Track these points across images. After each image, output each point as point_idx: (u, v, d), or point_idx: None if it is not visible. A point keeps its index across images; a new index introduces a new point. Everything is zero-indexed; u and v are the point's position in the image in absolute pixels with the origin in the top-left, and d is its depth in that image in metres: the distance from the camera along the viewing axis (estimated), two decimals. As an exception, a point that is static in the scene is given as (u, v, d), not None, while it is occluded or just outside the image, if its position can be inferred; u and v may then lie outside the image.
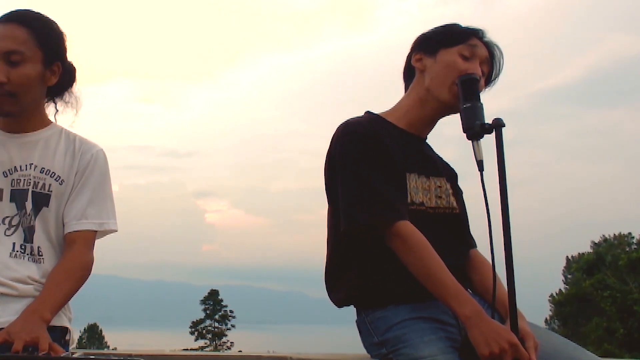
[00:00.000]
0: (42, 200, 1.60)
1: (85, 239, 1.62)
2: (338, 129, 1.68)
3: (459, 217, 1.76)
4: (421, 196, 1.67)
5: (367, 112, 1.77)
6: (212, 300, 49.60)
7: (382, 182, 1.58)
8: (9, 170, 1.59)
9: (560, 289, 37.25)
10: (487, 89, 1.75)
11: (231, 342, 48.57)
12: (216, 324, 49.12)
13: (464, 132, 1.51)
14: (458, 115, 1.59)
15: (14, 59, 1.53)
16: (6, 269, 1.53)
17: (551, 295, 37.30)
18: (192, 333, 48.93)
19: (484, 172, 1.48)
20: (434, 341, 1.50)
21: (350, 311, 1.72)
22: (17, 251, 1.57)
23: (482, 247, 1.79)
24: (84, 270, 1.60)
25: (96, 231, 1.64)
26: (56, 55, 1.62)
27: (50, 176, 1.62)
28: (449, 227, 1.70)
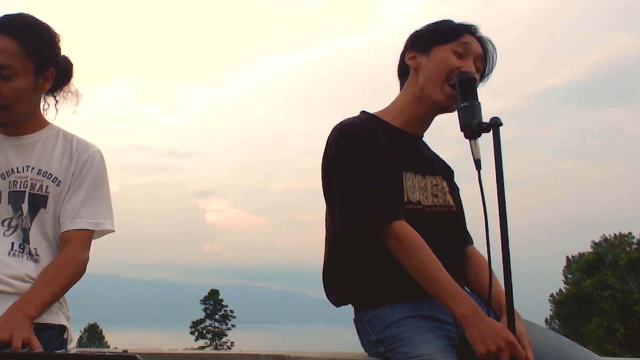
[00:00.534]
0: (39, 201, 1.61)
1: (80, 238, 1.61)
2: (333, 130, 1.68)
3: (456, 214, 1.76)
4: (418, 195, 1.67)
5: (362, 112, 1.78)
6: (213, 300, 49.58)
7: (378, 182, 1.59)
8: (6, 172, 1.60)
9: (560, 289, 37.24)
10: (481, 84, 1.75)
11: (231, 342, 48.54)
12: (216, 324, 49.10)
13: (462, 131, 1.51)
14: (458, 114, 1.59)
15: (4, 73, 1.51)
16: (4, 266, 1.54)
17: (551, 295, 37.30)
18: (192, 333, 48.91)
19: (481, 171, 1.49)
20: (431, 339, 1.50)
21: (351, 310, 1.72)
22: (16, 250, 1.57)
23: (479, 246, 1.80)
24: (76, 269, 1.59)
25: (92, 231, 1.64)
26: (48, 62, 1.60)
27: (47, 177, 1.63)
28: (446, 225, 1.70)
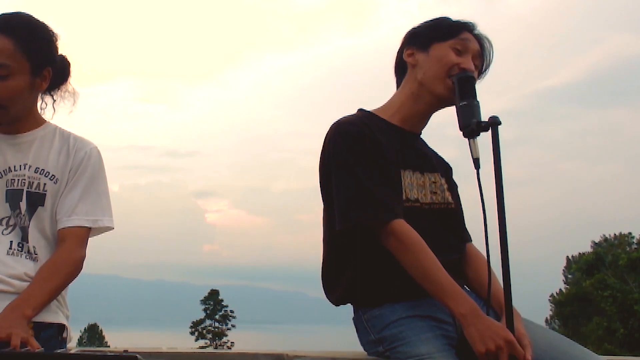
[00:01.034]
0: (37, 199, 1.60)
1: (77, 235, 1.61)
2: (331, 128, 1.68)
3: (454, 211, 1.76)
4: (416, 192, 1.67)
5: (360, 110, 1.77)
6: (213, 300, 49.57)
7: (376, 181, 1.58)
8: (3, 171, 1.60)
9: (560, 289, 37.23)
10: (478, 81, 1.75)
11: (231, 342, 48.54)
12: (216, 324, 49.10)
13: (461, 130, 1.51)
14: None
15: (0, 73, 1.51)
16: (3, 265, 1.54)
17: (551, 295, 37.29)
18: (192, 333, 48.91)
19: (480, 170, 1.49)
20: (430, 339, 1.50)
21: (351, 310, 1.72)
22: (15, 249, 1.57)
23: (479, 245, 1.80)
24: (73, 266, 1.58)
25: (89, 228, 1.64)
26: (45, 61, 1.60)
27: (45, 175, 1.62)
28: (445, 222, 1.70)
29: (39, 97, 1.70)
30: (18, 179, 1.60)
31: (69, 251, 1.59)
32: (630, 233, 35.42)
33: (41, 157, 1.64)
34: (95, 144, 1.72)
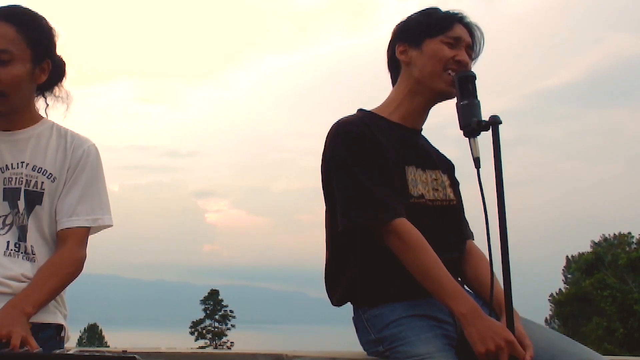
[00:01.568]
0: (35, 198, 1.60)
1: (77, 236, 1.61)
2: (331, 129, 1.68)
3: (456, 208, 1.76)
4: (420, 188, 1.67)
5: (360, 110, 1.77)
6: (212, 300, 49.56)
7: (376, 181, 1.58)
8: (0, 169, 1.59)
9: (560, 289, 37.23)
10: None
11: (231, 342, 48.53)
12: (216, 324, 49.09)
13: (461, 129, 1.51)
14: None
15: (2, 58, 1.51)
16: (0, 267, 1.53)
17: (551, 295, 37.31)
18: (192, 333, 48.90)
19: (481, 170, 1.49)
20: (430, 339, 1.50)
21: (351, 310, 1.72)
22: (11, 250, 1.56)
23: (479, 244, 1.80)
24: (73, 266, 1.58)
25: (89, 227, 1.64)
26: (45, 52, 1.60)
27: (42, 174, 1.61)
28: (447, 219, 1.70)
29: (35, 98, 1.69)
30: (16, 177, 1.59)
31: (70, 251, 1.59)
32: (629, 233, 35.42)
33: (38, 154, 1.63)
34: (93, 141, 1.71)
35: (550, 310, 36.29)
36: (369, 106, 1.79)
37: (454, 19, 1.71)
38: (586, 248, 36.00)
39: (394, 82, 1.80)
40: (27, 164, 1.61)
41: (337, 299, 1.71)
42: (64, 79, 1.72)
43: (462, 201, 1.81)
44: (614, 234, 36.33)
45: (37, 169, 1.61)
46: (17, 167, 1.60)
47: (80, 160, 1.65)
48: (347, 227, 1.59)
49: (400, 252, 1.54)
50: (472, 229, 1.81)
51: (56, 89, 1.71)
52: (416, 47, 1.71)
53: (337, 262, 1.70)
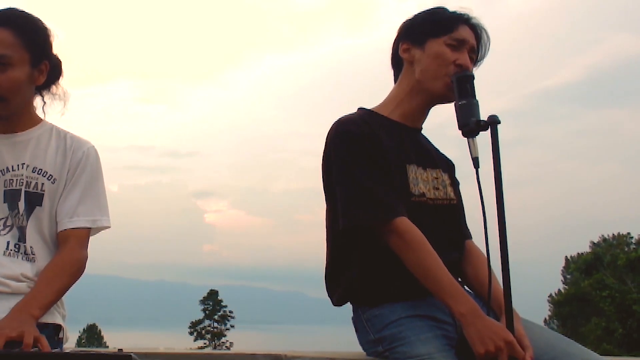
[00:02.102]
0: (35, 199, 1.60)
1: (79, 236, 1.62)
2: (331, 128, 1.68)
3: (456, 207, 1.76)
4: (421, 187, 1.67)
5: (360, 108, 1.77)
6: (212, 301, 49.51)
7: (376, 180, 1.58)
8: (1, 171, 1.59)
9: (559, 289, 37.23)
10: (474, 69, 1.73)
11: (230, 343, 48.48)
12: (215, 324, 49.04)
13: (460, 129, 1.51)
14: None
15: (2, 62, 1.52)
16: (0, 266, 1.53)
17: (550, 295, 37.29)
18: (191, 333, 48.84)
19: (480, 169, 1.48)
20: (430, 339, 1.49)
21: (351, 310, 1.72)
22: (11, 250, 1.57)
23: (478, 244, 1.80)
24: (76, 267, 1.59)
25: (90, 229, 1.64)
26: (43, 54, 1.61)
27: (43, 175, 1.62)
28: (447, 218, 1.70)
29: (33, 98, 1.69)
30: (16, 179, 1.60)
31: (72, 252, 1.60)
32: (629, 233, 35.46)
33: (38, 156, 1.63)
34: (92, 143, 1.72)
35: (549, 310, 36.28)
36: (369, 106, 1.79)
37: (460, 19, 1.70)
38: (585, 248, 36.05)
39: (396, 80, 1.80)
40: (28, 166, 1.61)
41: (337, 299, 1.71)
42: (60, 77, 1.72)
43: (462, 200, 1.81)
44: (613, 235, 36.35)
45: (37, 170, 1.62)
46: (18, 169, 1.61)
47: (80, 162, 1.66)
48: (348, 227, 1.58)
49: (401, 251, 1.54)
50: (471, 229, 1.81)
51: (53, 88, 1.72)
52: (419, 46, 1.70)
53: (337, 262, 1.70)
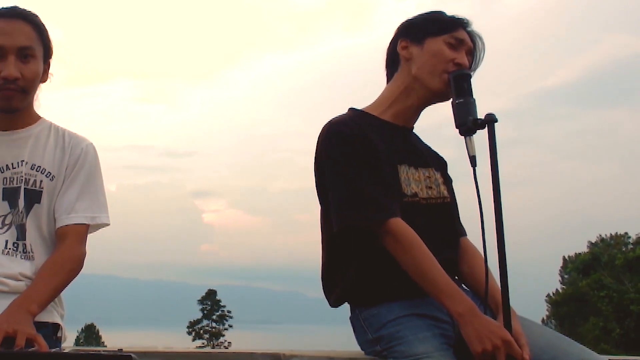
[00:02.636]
0: (34, 197, 1.61)
1: (77, 233, 1.62)
2: (323, 129, 1.68)
3: (450, 206, 1.76)
4: (414, 187, 1.67)
5: (351, 109, 1.77)
6: (210, 300, 49.54)
7: (369, 181, 1.58)
8: (0, 168, 1.60)
9: (557, 289, 37.26)
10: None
11: (229, 342, 48.49)
12: (214, 324, 49.07)
13: (457, 127, 1.51)
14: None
15: (27, 54, 1.55)
16: None
17: (548, 295, 37.32)
18: (189, 333, 48.87)
19: (477, 168, 1.49)
20: (428, 338, 1.50)
21: (349, 310, 1.72)
22: (10, 249, 1.57)
23: (475, 244, 1.80)
24: (74, 264, 1.59)
25: (88, 225, 1.64)
26: (50, 53, 1.64)
27: (41, 172, 1.62)
28: (441, 217, 1.70)
29: None
30: (16, 177, 1.60)
31: (70, 248, 1.60)
32: (626, 233, 35.46)
33: (37, 153, 1.64)
34: (90, 140, 1.72)
35: (547, 310, 36.32)
36: (360, 106, 1.79)
37: (459, 23, 1.72)
38: (583, 248, 36.07)
39: (389, 79, 1.80)
40: (27, 163, 1.62)
41: (334, 300, 1.71)
42: (46, 80, 1.74)
43: (455, 198, 1.82)
44: (611, 234, 36.38)
45: (36, 167, 1.62)
46: (17, 166, 1.61)
47: (78, 159, 1.67)
48: (342, 228, 1.59)
49: (396, 252, 1.54)
50: (469, 228, 1.82)
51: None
52: (418, 43, 1.71)
53: (333, 263, 1.70)
